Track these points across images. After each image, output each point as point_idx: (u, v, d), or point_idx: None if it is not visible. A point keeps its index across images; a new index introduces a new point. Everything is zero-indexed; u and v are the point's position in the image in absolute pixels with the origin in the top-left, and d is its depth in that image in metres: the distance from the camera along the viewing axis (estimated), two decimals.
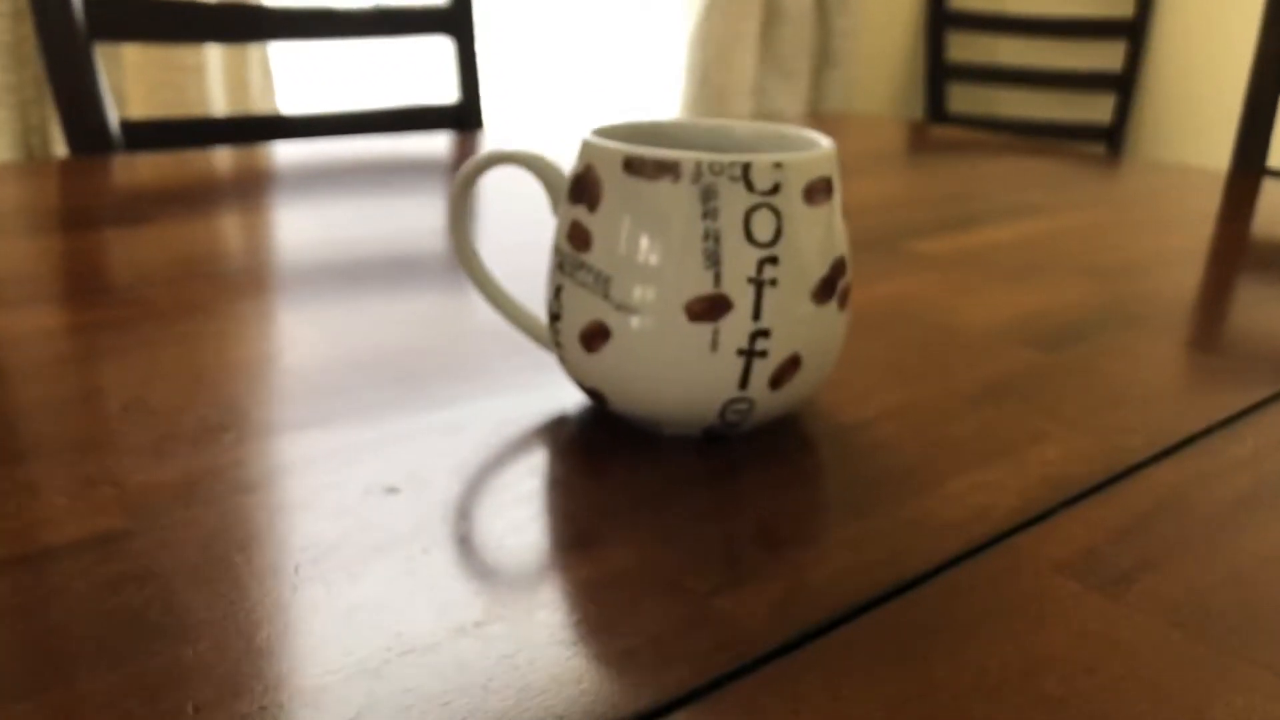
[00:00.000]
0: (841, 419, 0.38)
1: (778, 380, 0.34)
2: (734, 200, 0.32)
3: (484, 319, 0.46)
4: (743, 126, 0.39)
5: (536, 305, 0.49)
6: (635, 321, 0.33)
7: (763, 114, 1.98)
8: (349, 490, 0.32)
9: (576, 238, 0.34)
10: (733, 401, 0.34)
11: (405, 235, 0.60)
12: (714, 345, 0.32)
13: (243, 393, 0.38)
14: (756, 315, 0.32)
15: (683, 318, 0.32)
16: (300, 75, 1.53)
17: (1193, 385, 0.43)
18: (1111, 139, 2.35)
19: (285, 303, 0.48)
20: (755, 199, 0.32)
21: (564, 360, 0.36)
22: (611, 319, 0.33)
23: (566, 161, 0.85)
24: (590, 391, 0.35)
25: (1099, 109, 2.41)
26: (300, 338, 0.44)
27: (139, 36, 1.12)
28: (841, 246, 0.35)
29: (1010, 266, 0.60)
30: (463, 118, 1.18)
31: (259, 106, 1.46)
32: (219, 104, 1.42)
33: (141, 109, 1.37)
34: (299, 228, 0.61)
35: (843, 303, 0.35)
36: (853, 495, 0.33)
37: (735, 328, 0.32)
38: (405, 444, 0.35)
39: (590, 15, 1.84)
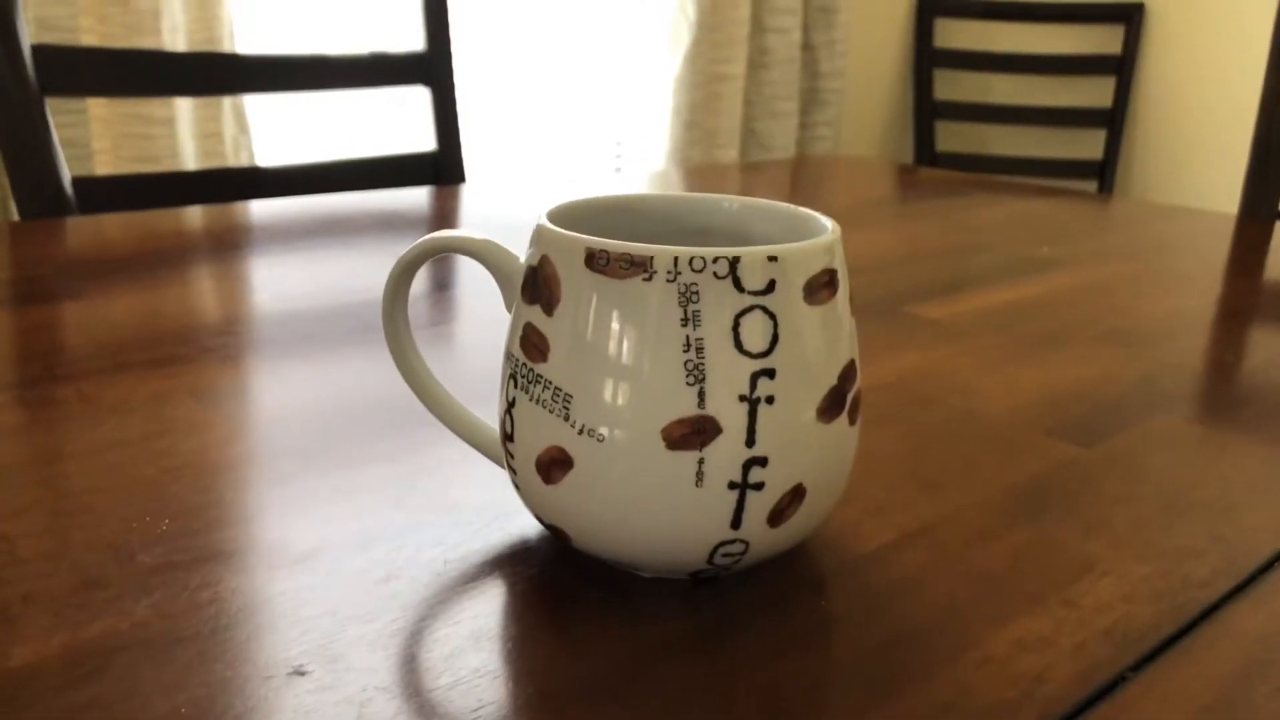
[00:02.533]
0: (854, 546, 0.32)
1: (778, 516, 0.28)
2: (720, 302, 0.26)
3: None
4: (730, 202, 0.33)
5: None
6: (602, 449, 0.27)
7: (750, 157, 1.93)
8: (247, 676, 0.25)
9: (531, 345, 0.28)
10: (724, 544, 0.27)
11: (361, 305, 0.54)
12: (699, 478, 0.26)
13: (128, 534, 0.32)
14: (750, 440, 0.26)
15: (660, 445, 0.26)
16: (278, 127, 1.48)
17: (1257, 487, 0.37)
18: (1103, 174, 2.31)
19: (215, 397, 0.42)
20: (746, 300, 0.26)
21: (519, 488, 0.30)
22: (574, 445, 0.27)
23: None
24: (550, 528, 0.29)
25: (1090, 145, 2.38)
26: (211, 443, 0.38)
27: (96, 90, 1.07)
28: (851, 349, 0.29)
29: (1027, 334, 0.55)
30: (442, 169, 1.13)
31: (234, 160, 1.41)
32: (190, 159, 1.37)
33: (109, 165, 1.32)
34: (254, 296, 0.55)
35: (853, 416, 0.29)
36: (871, 665, 0.26)
37: (725, 456, 0.26)
38: (320, 599, 0.28)
39: (574, 60, 1.80)
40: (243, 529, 0.32)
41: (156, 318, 0.52)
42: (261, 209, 0.80)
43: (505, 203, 0.85)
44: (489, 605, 0.28)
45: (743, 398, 0.26)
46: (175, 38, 1.28)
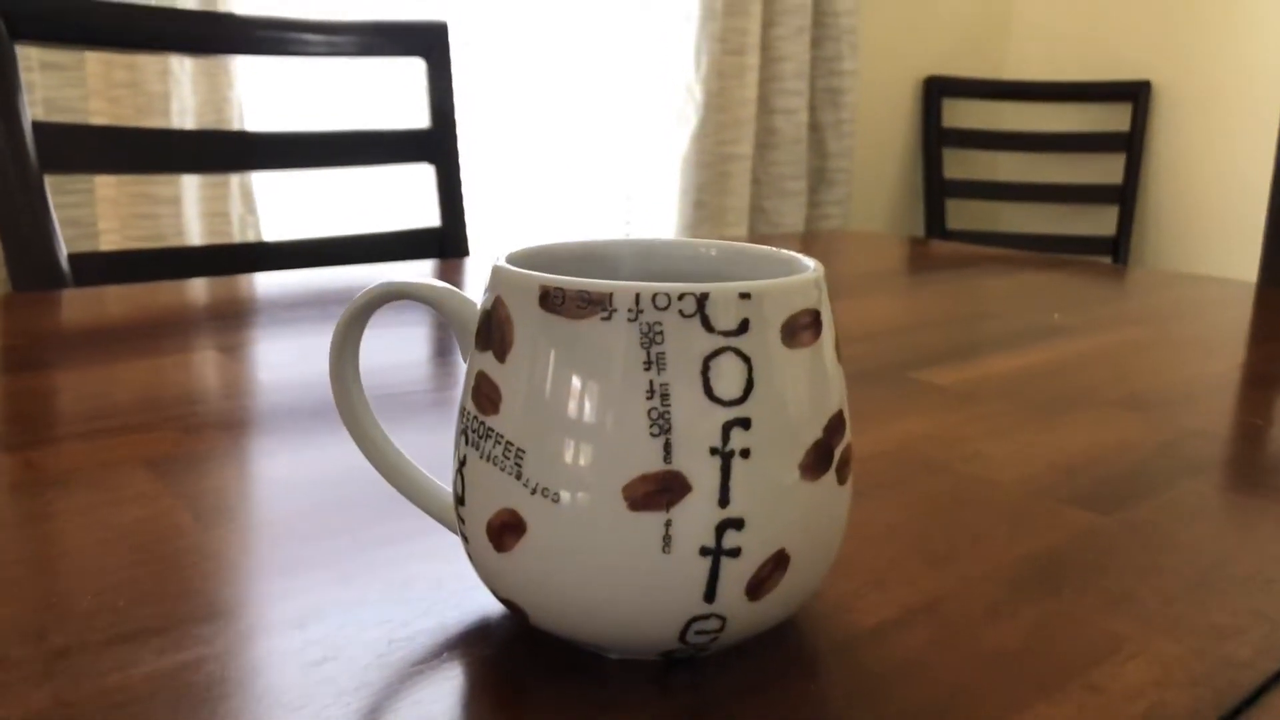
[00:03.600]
0: (850, 623, 0.29)
1: (758, 587, 0.24)
2: (687, 343, 0.23)
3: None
4: (706, 246, 0.30)
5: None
6: (557, 511, 0.24)
7: (759, 233, 1.93)
8: None
9: (482, 396, 0.25)
10: (697, 619, 0.24)
11: (370, 375, 0.52)
12: (666, 543, 0.23)
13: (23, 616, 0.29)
14: (724, 499, 0.23)
15: (621, 505, 0.23)
16: (286, 208, 1.48)
17: None
18: (1116, 249, 2.29)
19: (169, 468, 0.39)
20: (716, 341, 0.23)
21: (471, 558, 0.27)
22: (527, 507, 0.24)
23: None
24: (506, 603, 0.26)
25: (1102, 221, 2.37)
26: (155, 514, 0.35)
27: (96, 167, 1.07)
28: (838, 399, 0.26)
29: (1038, 400, 0.52)
30: (447, 243, 1.12)
31: (241, 238, 1.41)
32: (196, 238, 1.37)
33: (115, 244, 1.32)
34: (234, 368, 0.53)
35: (843, 475, 0.26)
36: None
37: (695, 517, 0.23)
38: (246, 684, 0.25)
39: (582, 136, 1.82)
40: (169, 605, 0.29)
41: (125, 388, 0.50)
42: (258, 282, 0.78)
43: None
44: (437, 691, 0.25)
45: (714, 450, 0.23)
46: (184, 120, 1.29)
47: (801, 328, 0.25)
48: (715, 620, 0.24)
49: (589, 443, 0.23)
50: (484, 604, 0.29)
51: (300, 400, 0.48)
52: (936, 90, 2.34)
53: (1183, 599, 0.31)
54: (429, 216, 1.12)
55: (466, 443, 0.26)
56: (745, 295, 0.24)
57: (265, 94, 1.44)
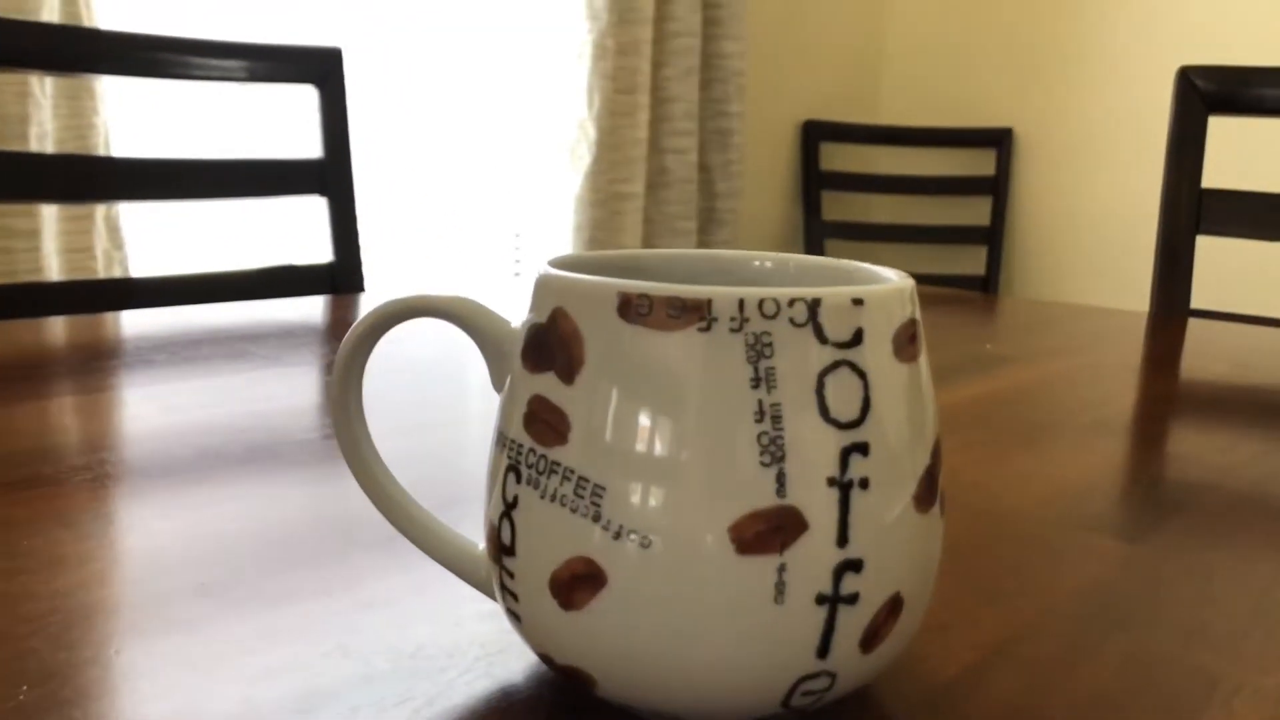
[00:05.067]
0: (934, 672, 0.26)
1: (872, 637, 0.21)
2: (800, 356, 0.20)
3: (368, 527, 0.33)
4: (760, 260, 0.27)
5: (462, 520, 0.35)
6: (647, 559, 0.20)
7: None
8: None
9: (542, 424, 0.21)
10: (806, 679, 0.21)
11: (259, 418, 0.46)
12: (779, 591, 0.20)
13: None
14: (843, 538, 0.20)
15: (728, 549, 0.20)
16: (157, 244, 1.38)
17: None
18: (986, 287, 2.39)
19: (89, 526, 0.33)
20: (830, 354, 0.20)
21: (520, 619, 0.22)
22: (607, 555, 0.20)
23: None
24: (567, 670, 0.22)
25: (972, 261, 2.47)
26: (85, 582, 0.29)
27: None
28: (938, 421, 0.23)
29: (1013, 428, 0.50)
30: (340, 280, 1.06)
31: (107, 275, 1.30)
32: (55, 274, 1.25)
33: None
34: (135, 410, 0.46)
35: (943, 504, 0.23)
36: None
37: (812, 560, 0.20)
38: None
39: (475, 172, 1.77)
40: (131, 696, 0.23)
41: (13, 436, 0.43)
42: (139, 320, 0.71)
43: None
44: None
45: (832, 481, 0.20)
46: (44, 145, 1.19)
47: (909, 339, 0.22)
48: (825, 678, 0.21)
49: (687, 475, 0.20)
50: (517, 672, 0.25)
51: (229, 444, 0.42)
52: (814, 134, 2.41)
53: (1254, 628, 0.29)
54: (320, 251, 1.05)
55: (519, 480, 0.22)
56: (858, 301, 0.21)
57: (136, 120, 1.34)
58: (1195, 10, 2.10)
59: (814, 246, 2.38)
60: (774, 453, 0.20)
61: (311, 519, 0.34)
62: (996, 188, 2.41)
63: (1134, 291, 2.19)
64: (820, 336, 0.20)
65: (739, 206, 2.08)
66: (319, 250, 1.05)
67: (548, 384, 0.21)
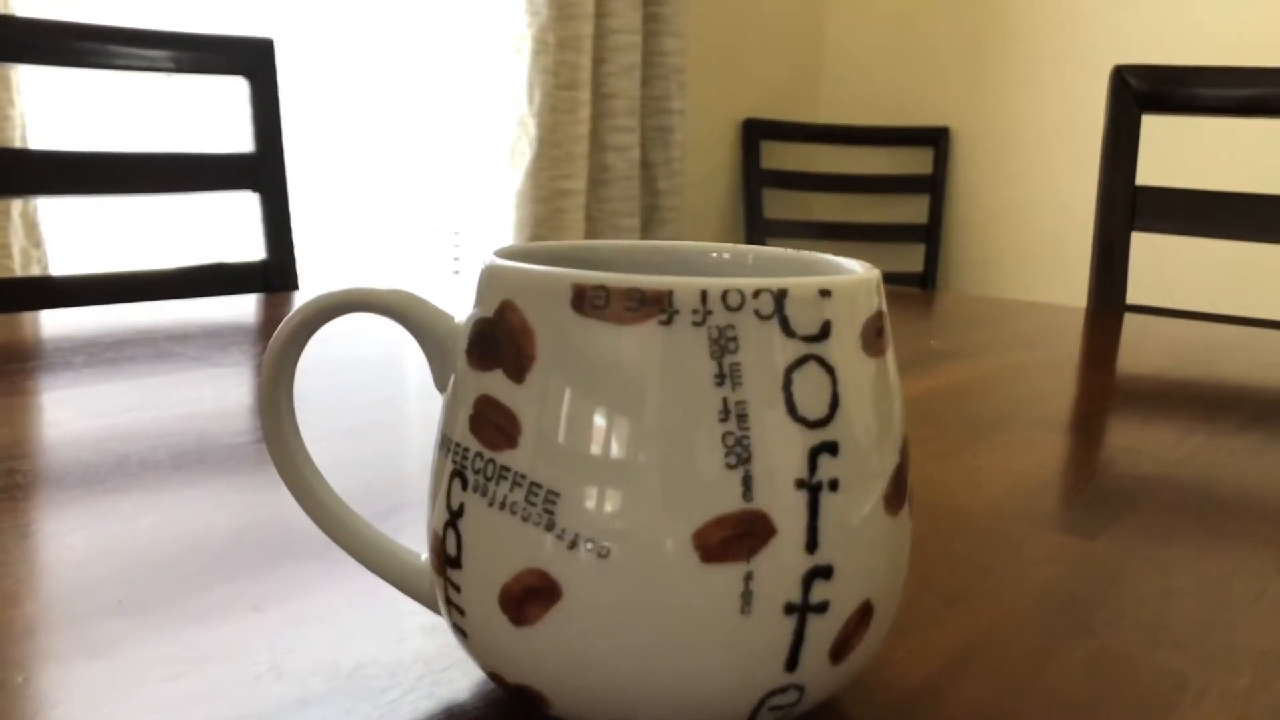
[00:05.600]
0: (898, 678, 0.25)
1: (842, 647, 0.20)
2: (766, 351, 0.19)
3: (303, 537, 0.31)
4: (718, 252, 0.26)
5: (403, 529, 0.34)
6: (605, 570, 0.19)
7: None
8: None
9: (489, 426, 0.20)
10: (774, 693, 0.20)
11: (186, 421, 0.44)
12: (746, 601, 0.19)
13: None
14: (812, 543, 0.19)
15: (692, 557, 0.19)
16: (80, 242, 1.32)
17: None
18: (924, 285, 2.42)
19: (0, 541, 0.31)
20: (798, 348, 0.19)
21: (467, 635, 0.21)
22: (561, 566, 0.19)
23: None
24: (519, 689, 0.21)
25: (910, 258, 2.50)
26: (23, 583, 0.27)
27: None
28: (903, 417, 0.22)
29: (962, 423, 0.50)
30: (273, 279, 1.02)
31: (24, 274, 1.24)
32: None
33: None
34: (53, 414, 0.43)
35: (911, 505, 0.22)
36: None
37: (780, 567, 0.19)
38: None
39: (413, 168, 1.74)
40: None
41: None
42: (58, 320, 0.67)
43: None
44: None
45: (801, 483, 0.19)
46: None
47: (876, 332, 0.21)
48: (793, 692, 0.20)
49: (647, 480, 0.19)
50: (463, 690, 0.23)
51: (153, 450, 0.40)
52: (755, 132, 2.41)
53: (1217, 624, 0.29)
54: (252, 249, 1.02)
55: (465, 487, 0.20)
56: (825, 292, 0.19)
57: (56, 111, 1.29)
58: (1130, 10, 2.15)
59: (755, 244, 2.38)
60: (740, 454, 0.19)
61: (241, 529, 0.32)
62: (934, 186, 2.44)
63: (1070, 287, 2.24)
64: (787, 330, 0.19)
65: (681, 204, 2.07)
66: (251, 248, 1.01)
67: (495, 383, 0.20)
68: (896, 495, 0.21)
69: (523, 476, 0.19)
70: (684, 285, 0.19)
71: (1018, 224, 2.38)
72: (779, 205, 2.47)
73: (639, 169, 1.94)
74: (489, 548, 0.20)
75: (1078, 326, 0.84)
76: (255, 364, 0.56)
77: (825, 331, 0.19)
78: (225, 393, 0.49)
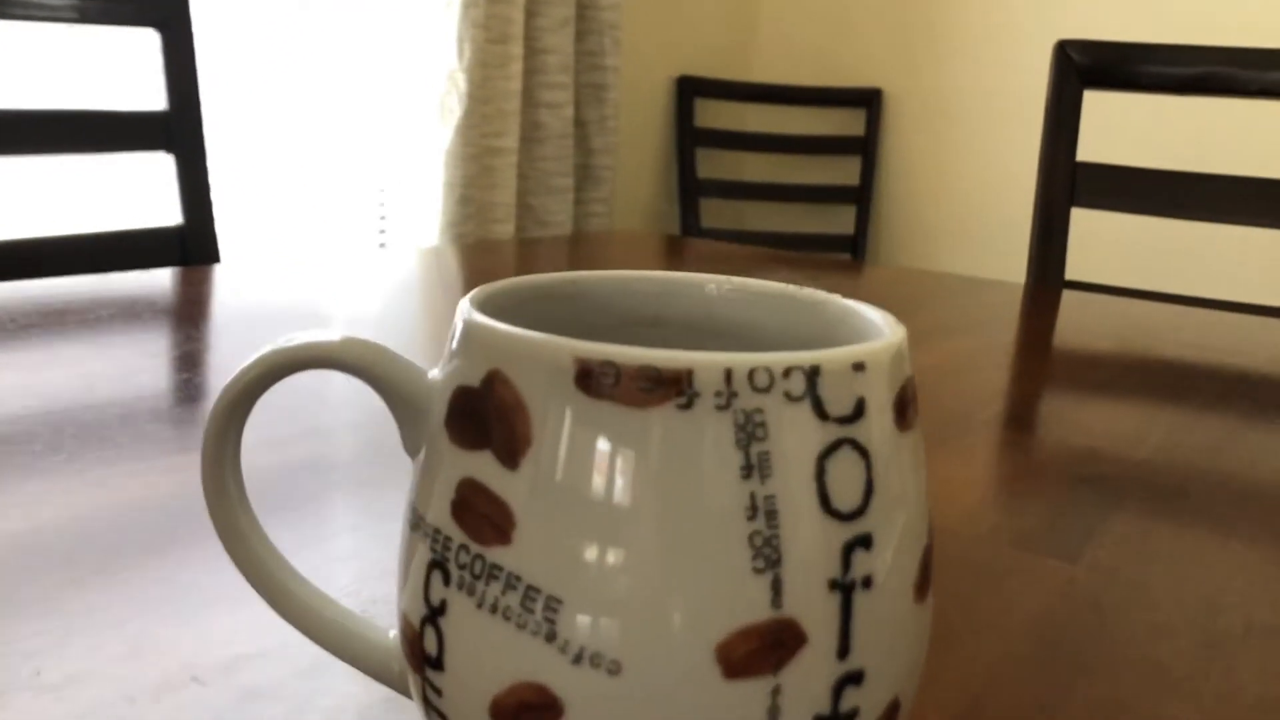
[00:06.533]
0: None
1: None
2: (798, 438, 0.17)
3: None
4: (712, 285, 0.24)
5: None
6: (615, 687, 0.16)
7: (529, 232, 1.86)
8: None
9: (476, 517, 0.17)
10: None
11: (108, 400, 0.40)
12: (772, 718, 0.17)
13: None
14: (844, 648, 0.17)
15: (715, 674, 0.16)
16: None
17: (1274, 586, 0.32)
18: (855, 248, 2.43)
19: None
20: (831, 431, 0.17)
21: None
22: (564, 681, 0.17)
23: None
24: None
25: (841, 221, 2.51)
26: None
27: None
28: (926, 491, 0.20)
29: (926, 424, 0.49)
30: (191, 247, 0.97)
31: None
32: None
33: None
34: None
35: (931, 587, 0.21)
36: None
37: (810, 679, 0.17)
38: None
39: (336, 126, 1.66)
40: None
41: None
42: None
43: (268, 286, 0.72)
44: None
45: (834, 584, 0.17)
46: None
47: (908, 403, 0.19)
48: None
49: (664, 586, 0.16)
50: None
51: (58, 437, 0.36)
52: (689, 90, 2.38)
53: (1215, 666, 0.28)
54: (167, 214, 0.96)
55: (447, 582, 0.18)
56: (859, 366, 0.17)
57: None
58: None
59: (688, 204, 2.36)
60: (768, 556, 0.16)
61: (162, 508, 0.29)
62: (866, 148, 2.44)
63: (1000, 258, 2.27)
64: (820, 412, 0.17)
65: (616, 163, 2.04)
66: (166, 216, 0.95)
67: (483, 465, 0.17)
68: (924, 580, 0.19)
69: (518, 578, 0.17)
70: (705, 363, 0.16)
71: (950, 192, 2.39)
72: (711, 165, 2.44)
73: (573, 127, 1.89)
74: (478, 654, 0.17)
75: (1020, 306, 0.84)
76: (174, 352, 0.51)
77: (859, 411, 0.17)
78: (130, 375, 0.45)
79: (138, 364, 0.49)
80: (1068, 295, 0.90)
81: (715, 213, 2.49)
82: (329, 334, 0.20)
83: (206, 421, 0.19)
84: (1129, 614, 0.31)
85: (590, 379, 0.16)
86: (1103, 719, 0.25)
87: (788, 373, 0.16)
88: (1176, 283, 1.23)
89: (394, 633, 0.21)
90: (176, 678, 0.24)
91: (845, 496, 0.17)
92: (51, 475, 0.35)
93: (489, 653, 0.17)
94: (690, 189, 2.37)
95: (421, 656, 0.18)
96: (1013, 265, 2.12)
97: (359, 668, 0.21)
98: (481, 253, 0.97)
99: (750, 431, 0.16)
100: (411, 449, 0.20)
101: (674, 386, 0.16)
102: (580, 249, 1.01)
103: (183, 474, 0.36)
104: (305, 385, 0.48)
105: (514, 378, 0.17)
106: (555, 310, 0.23)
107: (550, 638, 0.17)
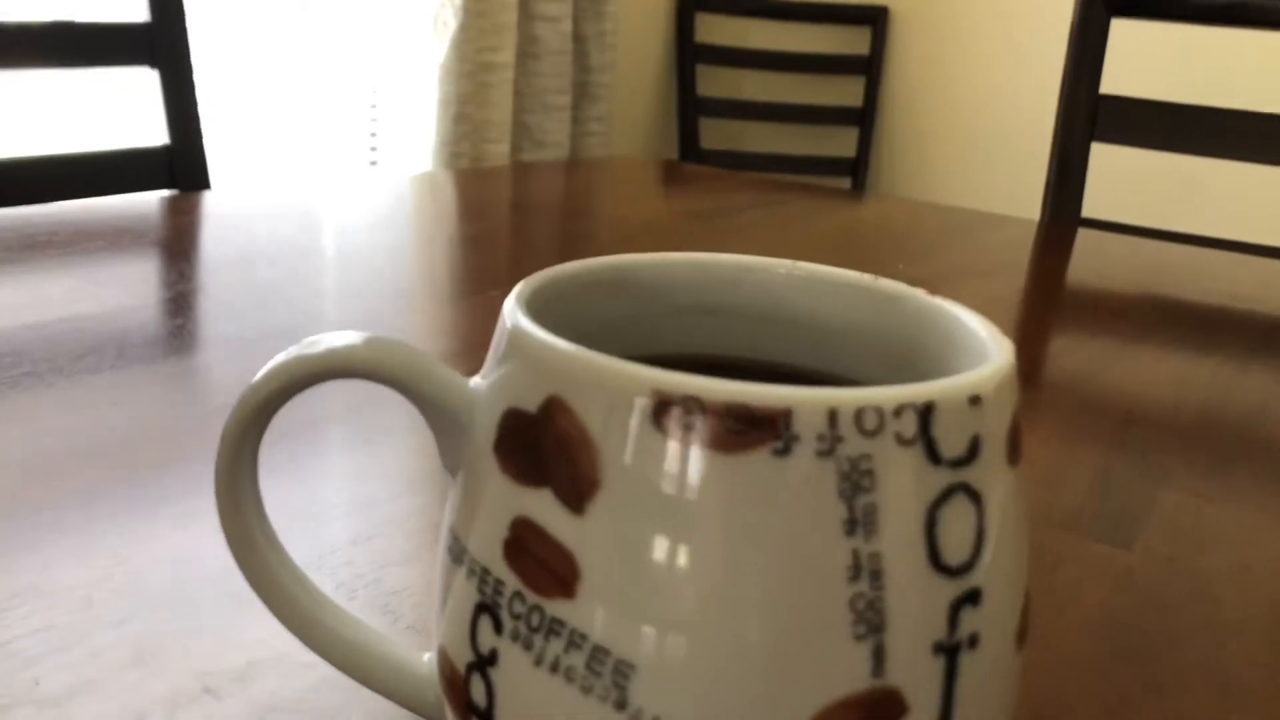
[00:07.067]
0: None
1: None
2: (909, 485, 0.14)
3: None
4: (777, 270, 0.21)
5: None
6: None
7: (525, 151, 1.81)
8: None
9: (533, 563, 0.15)
10: None
11: (96, 328, 0.38)
12: None
13: None
14: (945, 713, 0.15)
15: None
16: None
17: None
18: (856, 171, 2.38)
19: None
20: (944, 477, 0.15)
21: None
22: None
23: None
24: None
25: (843, 143, 2.45)
26: None
27: None
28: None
29: None
30: (179, 168, 0.93)
31: None
32: None
33: None
34: None
35: None
36: None
37: None
38: None
39: (331, 45, 1.60)
40: None
41: None
42: None
43: (263, 215, 0.68)
44: None
45: (939, 648, 0.15)
46: None
47: (1018, 433, 0.16)
48: None
49: (752, 655, 0.14)
50: None
51: (42, 360, 0.34)
52: (690, 4, 2.29)
53: None
54: (153, 135, 0.92)
55: (499, 630, 0.16)
56: (975, 400, 0.15)
57: None
58: None
59: (687, 125, 2.30)
60: (871, 621, 0.14)
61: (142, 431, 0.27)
62: (870, 68, 2.37)
63: (1006, 190, 2.23)
64: (933, 455, 0.15)
65: (614, 81, 1.97)
66: (152, 135, 0.91)
67: (542, 506, 0.15)
68: (1024, 625, 0.17)
69: (583, 637, 0.15)
70: (806, 402, 0.14)
71: (958, 119, 2.34)
72: (712, 83, 2.37)
73: (571, 42, 1.82)
74: (535, 717, 0.15)
75: (1035, 246, 0.81)
76: (163, 287, 0.49)
77: (973, 451, 0.15)
78: (115, 312, 0.43)
79: (128, 304, 0.47)
80: (1085, 234, 0.88)
81: (715, 133, 2.43)
82: (354, 338, 0.17)
83: (220, 441, 0.17)
84: (1190, 611, 0.29)
85: (669, 416, 0.14)
86: None
87: (899, 412, 0.14)
88: (1197, 224, 1.20)
89: (429, 656, 0.20)
90: (188, 689, 0.22)
91: (955, 549, 0.15)
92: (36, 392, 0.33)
93: (550, 716, 0.15)
94: (690, 108, 2.30)
95: (467, 705, 0.17)
96: (1020, 198, 2.09)
97: (390, 697, 0.19)
98: (476, 180, 0.93)
99: (855, 481, 0.14)
100: (450, 464, 0.18)
101: (769, 429, 0.14)
102: (576, 176, 0.98)
103: (178, 444, 0.34)
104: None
105: (578, 408, 0.15)
106: (606, 297, 0.20)
107: (620, 705, 0.15)
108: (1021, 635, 0.17)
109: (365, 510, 0.30)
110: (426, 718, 0.19)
